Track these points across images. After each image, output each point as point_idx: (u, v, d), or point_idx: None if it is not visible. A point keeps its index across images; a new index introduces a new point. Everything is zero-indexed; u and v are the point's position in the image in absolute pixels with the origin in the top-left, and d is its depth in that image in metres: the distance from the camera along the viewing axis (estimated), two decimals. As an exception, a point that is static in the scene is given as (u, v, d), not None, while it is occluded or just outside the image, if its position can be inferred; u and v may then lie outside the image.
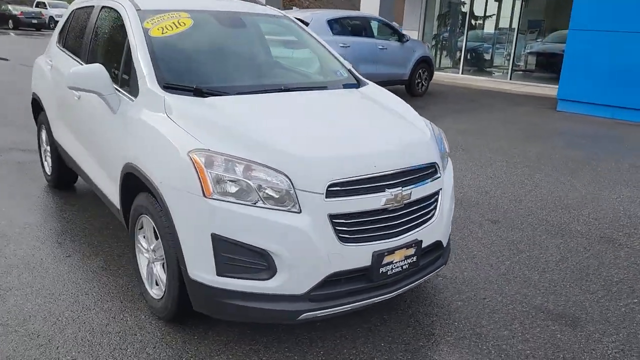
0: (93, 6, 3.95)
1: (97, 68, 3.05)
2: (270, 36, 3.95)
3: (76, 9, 4.36)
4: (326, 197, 2.37)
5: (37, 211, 4.34)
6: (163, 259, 2.75)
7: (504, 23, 15.94)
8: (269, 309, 2.42)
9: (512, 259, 3.81)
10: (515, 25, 15.00)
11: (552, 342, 2.83)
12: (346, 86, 3.49)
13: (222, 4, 3.88)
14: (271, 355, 2.62)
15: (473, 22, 16.52)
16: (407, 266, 2.64)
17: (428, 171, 2.76)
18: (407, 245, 2.60)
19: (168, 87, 2.90)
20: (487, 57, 16.41)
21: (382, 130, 2.86)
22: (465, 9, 16.46)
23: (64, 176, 4.69)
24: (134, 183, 2.91)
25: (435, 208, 2.80)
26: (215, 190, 2.36)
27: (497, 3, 16.18)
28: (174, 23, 3.36)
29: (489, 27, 16.44)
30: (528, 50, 15.41)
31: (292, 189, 2.35)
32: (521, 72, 15.20)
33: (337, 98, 3.32)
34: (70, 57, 4.08)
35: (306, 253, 2.36)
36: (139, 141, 2.79)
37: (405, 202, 2.57)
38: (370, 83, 3.62)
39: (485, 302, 3.21)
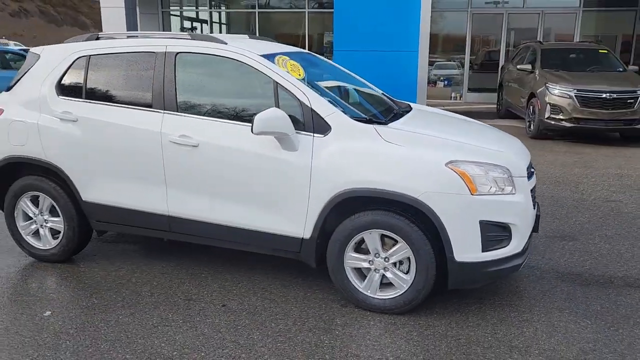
0: (153, 53, 3.76)
1: (280, 112, 3.28)
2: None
3: (92, 55, 3.91)
4: (528, 179, 3.44)
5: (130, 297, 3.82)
6: (399, 261, 3.32)
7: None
8: (508, 267, 3.34)
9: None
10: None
11: None
12: (405, 108, 4.41)
13: (275, 45, 4.25)
14: (494, 308, 3.51)
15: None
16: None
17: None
18: (538, 208, 3.85)
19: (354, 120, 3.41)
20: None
21: (496, 133, 4.00)
22: (204, 28, 17.51)
23: (79, 244, 4.13)
24: (344, 207, 3.32)
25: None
26: (477, 188, 3.16)
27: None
28: (292, 65, 3.72)
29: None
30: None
31: (511, 177, 3.33)
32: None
33: (437, 114, 4.30)
34: (123, 107, 3.76)
35: (527, 220, 3.39)
36: (369, 166, 3.24)
37: (534, 178, 3.84)
38: (412, 104, 4.62)
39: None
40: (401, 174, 3.21)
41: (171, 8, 17.31)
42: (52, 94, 3.98)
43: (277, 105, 3.46)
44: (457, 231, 3.17)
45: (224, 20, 18.35)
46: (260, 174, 3.47)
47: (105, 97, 3.88)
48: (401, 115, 3.90)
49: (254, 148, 3.46)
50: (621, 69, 10.08)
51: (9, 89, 4.19)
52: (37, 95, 4.01)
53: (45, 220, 4.13)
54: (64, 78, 3.98)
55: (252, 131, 3.28)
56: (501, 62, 15.20)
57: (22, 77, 4.13)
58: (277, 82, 3.49)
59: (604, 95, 8.88)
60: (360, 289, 3.44)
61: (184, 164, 3.64)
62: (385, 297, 3.40)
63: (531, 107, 9.83)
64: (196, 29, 17.76)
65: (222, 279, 3.90)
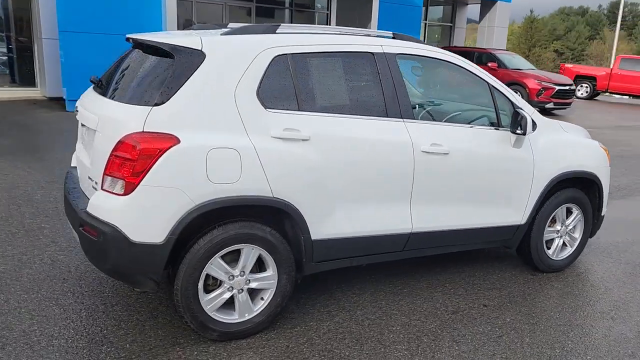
0: (371, 53, 3.25)
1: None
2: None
3: (295, 53, 2.99)
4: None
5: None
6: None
7: None
8: (597, 214, 4.72)
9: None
10: None
11: None
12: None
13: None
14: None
15: None
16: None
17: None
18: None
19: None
20: None
21: None
22: None
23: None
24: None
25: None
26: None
27: None
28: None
29: None
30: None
31: None
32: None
33: None
34: (354, 118, 3.16)
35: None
36: (570, 153, 3.98)
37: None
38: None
39: None
40: (584, 155, 4.11)
41: None
42: (256, 106, 2.87)
43: (497, 108, 3.71)
44: (605, 193, 4.32)
45: None
46: (501, 173, 3.70)
47: (325, 107, 3.12)
48: None
49: (498, 150, 3.64)
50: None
51: (157, 104, 2.69)
52: (230, 109, 2.81)
53: (248, 280, 2.96)
54: (264, 83, 2.93)
55: (524, 134, 3.52)
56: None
57: (182, 85, 2.74)
58: (492, 86, 3.71)
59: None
60: (549, 256, 4.16)
61: (434, 174, 3.42)
62: (563, 257, 4.25)
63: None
64: None
65: (436, 288, 3.82)
